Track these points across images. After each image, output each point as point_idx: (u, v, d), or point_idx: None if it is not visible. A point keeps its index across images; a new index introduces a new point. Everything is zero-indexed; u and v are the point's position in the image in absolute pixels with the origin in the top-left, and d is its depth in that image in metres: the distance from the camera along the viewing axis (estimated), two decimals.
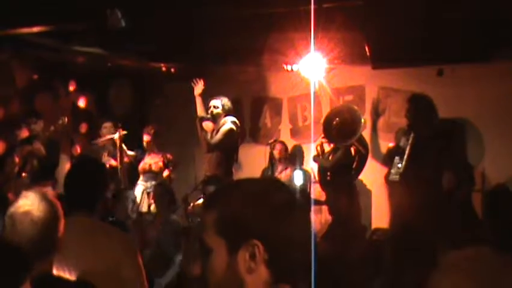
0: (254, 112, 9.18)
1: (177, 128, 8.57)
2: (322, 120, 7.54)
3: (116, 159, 7.66)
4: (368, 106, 8.31)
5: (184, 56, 7.88)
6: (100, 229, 3.03)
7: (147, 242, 5.98)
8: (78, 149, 7.83)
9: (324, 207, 7.48)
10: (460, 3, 5.46)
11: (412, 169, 6.01)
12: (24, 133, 6.94)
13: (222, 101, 7.18)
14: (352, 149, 7.31)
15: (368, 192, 8.06)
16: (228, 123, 7.08)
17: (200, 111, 7.28)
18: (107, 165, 7.07)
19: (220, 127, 7.08)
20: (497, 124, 7.42)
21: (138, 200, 7.72)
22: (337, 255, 4.85)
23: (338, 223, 7.10)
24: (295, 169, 7.90)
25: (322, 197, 7.54)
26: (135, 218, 6.78)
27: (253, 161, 8.25)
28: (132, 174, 7.99)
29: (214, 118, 7.14)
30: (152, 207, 7.25)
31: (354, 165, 7.37)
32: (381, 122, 8.28)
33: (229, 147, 7.15)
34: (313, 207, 7.31)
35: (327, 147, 7.58)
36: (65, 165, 7.72)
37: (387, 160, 6.52)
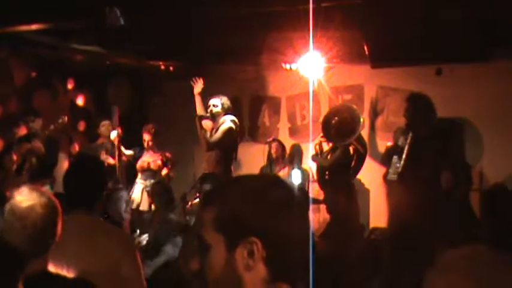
0: (253, 111, 9.19)
1: (176, 127, 8.57)
2: (321, 120, 7.54)
3: (114, 158, 7.66)
4: (367, 105, 8.32)
5: (183, 55, 7.88)
6: (99, 228, 3.03)
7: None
8: (77, 147, 7.82)
9: (322, 206, 7.47)
10: (459, 3, 5.46)
11: (410, 169, 6.00)
12: (22, 131, 6.93)
13: (221, 99, 7.18)
14: (351, 148, 7.32)
15: (366, 192, 8.06)
16: (228, 121, 7.07)
17: (199, 110, 7.28)
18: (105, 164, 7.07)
19: (220, 126, 7.07)
20: (495, 123, 7.43)
21: (137, 198, 7.73)
22: (335, 254, 4.86)
23: (336, 222, 7.08)
24: (293, 168, 7.91)
25: (321, 196, 7.54)
26: (130, 218, 6.78)
27: (251, 160, 8.25)
28: (130, 172, 7.99)
29: (214, 117, 7.14)
30: (150, 206, 7.27)
31: (352, 165, 7.38)
32: (380, 121, 8.29)
33: (228, 145, 7.14)
34: (311, 206, 7.30)
35: (326, 147, 7.58)
36: (63, 164, 7.72)
37: (385, 159, 6.51)
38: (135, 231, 6.27)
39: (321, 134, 7.48)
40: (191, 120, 7.40)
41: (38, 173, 6.65)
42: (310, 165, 7.83)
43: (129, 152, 7.93)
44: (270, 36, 6.35)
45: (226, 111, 7.18)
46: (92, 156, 6.11)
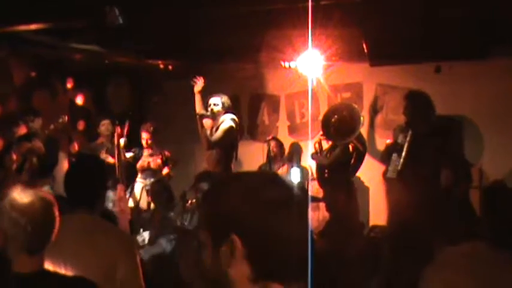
0: (252, 109, 9.19)
1: (176, 126, 8.58)
2: (320, 118, 7.54)
3: (113, 157, 7.66)
4: (366, 103, 8.32)
5: (182, 54, 7.88)
6: (99, 227, 3.03)
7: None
8: (76, 147, 7.82)
9: (322, 204, 7.49)
10: (458, 1, 5.47)
11: (409, 166, 6.01)
12: (22, 130, 6.92)
13: (222, 98, 7.18)
14: (350, 146, 7.32)
15: (366, 190, 8.07)
16: (228, 120, 7.08)
17: (199, 108, 7.28)
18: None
19: (220, 124, 7.08)
20: (494, 121, 7.44)
21: (137, 197, 7.75)
22: (334, 252, 4.87)
23: (336, 220, 7.11)
24: (292, 166, 7.92)
25: (320, 194, 7.55)
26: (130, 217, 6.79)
27: (251, 158, 8.25)
28: (129, 172, 8.00)
29: (214, 115, 7.14)
30: (150, 205, 7.28)
31: (351, 163, 7.38)
32: (379, 119, 8.29)
33: (229, 144, 7.15)
34: (310, 204, 7.30)
35: (325, 145, 7.59)
36: (63, 163, 7.72)
37: (385, 157, 6.52)
38: (139, 231, 6.30)
39: (321, 132, 7.48)
40: (191, 119, 7.41)
41: (38, 173, 6.65)
42: (310, 163, 7.84)
43: (129, 154, 7.94)
44: (269, 35, 6.35)
45: (226, 110, 7.18)
46: (93, 156, 6.12)
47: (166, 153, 7.92)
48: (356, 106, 7.49)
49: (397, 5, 5.51)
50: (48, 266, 2.46)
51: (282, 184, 1.45)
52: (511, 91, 7.29)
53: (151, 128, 7.88)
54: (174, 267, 5.53)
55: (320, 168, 7.53)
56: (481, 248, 1.44)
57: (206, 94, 7.31)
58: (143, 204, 7.65)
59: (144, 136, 7.87)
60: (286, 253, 1.39)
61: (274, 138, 8.15)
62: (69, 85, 8.44)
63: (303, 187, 7.61)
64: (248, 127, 9.16)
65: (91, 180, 3.04)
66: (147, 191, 7.48)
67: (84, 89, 8.70)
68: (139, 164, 7.88)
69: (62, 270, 2.63)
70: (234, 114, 7.28)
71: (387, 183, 6.44)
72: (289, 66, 7.69)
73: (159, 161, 7.84)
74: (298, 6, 4.79)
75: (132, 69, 8.65)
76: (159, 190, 6.69)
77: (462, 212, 5.83)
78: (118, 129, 7.59)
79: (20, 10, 5.42)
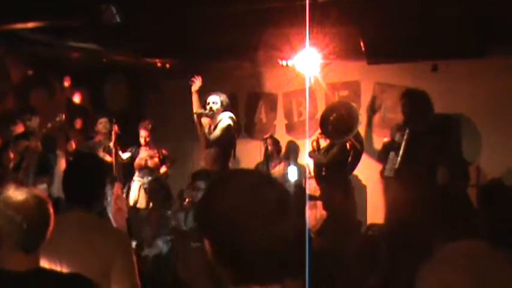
0: (249, 107, 9.19)
1: (173, 124, 8.57)
2: (318, 116, 7.54)
3: (111, 155, 7.66)
4: (363, 101, 8.32)
5: (180, 52, 7.87)
6: (96, 225, 3.03)
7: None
8: (73, 145, 7.81)
9: (319, 203, 7.49)
10: None
11: (407, 165, 6.01)
12: (20, 129, 6.92)
13: (220, 97, 7.18)
14: (348, 144, 7.32)
15: (363, 188, 8.07)
16: (226, 118, 7.08)
17: (196, 107, 7.28)
18: None
19: (218, 123, 7.07)
20: (492, 119, 7.44)
21: (135, 196, 7.74)
22: (332, 250, 4.87)
23: (333, 218, 7.11)
24: (289, 164, 7.92)
25: (318, 192, 7.55)
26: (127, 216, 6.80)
27: (248, 156, 8.25)
28: (127, 170, 8.00)
29: (213, 114, 7.14)
30: (148, 203, 7.27)
31: (349, 161, 7.38)
32: (376, 117, 8.29)
33: (227, 142, 7.15)
34: (308, 203, 7.31)
35: (323, 143, 7.58)
36: (61, 161, 7.71)
37: (382, 156, 6.52)
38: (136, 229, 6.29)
39: (318, 131, 7.48)
40: (188, 117, 7.40)
41: (36, 171, 6.65)
42: (307, 161, 7.84)
43: (126, 155, 7.94)
44: (266, 33, 6.34)
45: (225, 108, 7.19)
46: (91, 154, 6.12)
47: (164, 151, 7.93)
48: (354, 105, 7.48)
49: (394, 3, 5.51)
50: (44, 264, 2.47)
51: (273, 186, 1.43)
52: (508, 89, 7.30)
53: (150, 126, 7.89)
54: (172, 268, 5.53)
55: (317, 166, 7.52)
56: (479, 246, 1.44)
57: (204, 92, 7.30)
58: (141, 202, 7.65)
59: (142, 134, 7.89)
60: (259, 257, 1.36)
61: (272, 137, 8.15)
62: (66, 83, 8.44)
63: (300, 185, 7.63)
64: (246, 125, 9.16)
65: (89, 179, 3.03)
66: (145, 190, 7.49)
67: (81, 88, 8.69)
68: (136, 163, 7.88)
69: (58, 268, 2.63)
70: (232, 112, 7.28)
71: (385, 181, 6.44)
72: (287, 65, 7.68)
73: (156, 159, 7.84)
74: (295, 4, 4.79)
75: (130, 67, 8.64)
76: (156, 188, 6.69)
77: (460, 210, 5.83)
78: (115, 128, 7.59)
79: (17, 8, 5.41)
